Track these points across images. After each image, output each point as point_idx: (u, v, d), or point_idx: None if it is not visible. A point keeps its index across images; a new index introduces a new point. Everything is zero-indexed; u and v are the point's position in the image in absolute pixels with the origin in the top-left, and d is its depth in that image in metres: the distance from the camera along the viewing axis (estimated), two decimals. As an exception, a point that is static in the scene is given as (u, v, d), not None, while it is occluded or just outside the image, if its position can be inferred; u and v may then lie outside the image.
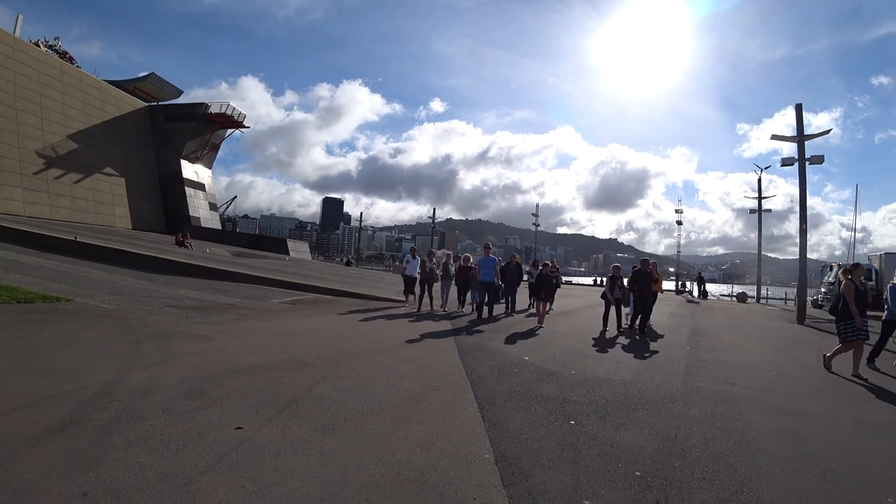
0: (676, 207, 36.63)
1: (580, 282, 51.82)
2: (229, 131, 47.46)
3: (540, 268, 12.38)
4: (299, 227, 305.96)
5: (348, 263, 41.03)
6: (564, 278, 42.56)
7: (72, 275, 12.00)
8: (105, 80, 41.38)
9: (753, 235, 33.95)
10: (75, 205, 34.29)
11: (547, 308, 11.89)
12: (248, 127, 47.83)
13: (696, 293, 32.40)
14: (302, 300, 12.31)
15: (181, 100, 47.92)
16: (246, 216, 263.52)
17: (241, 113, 45.87)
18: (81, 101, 36.96)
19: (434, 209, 52.83)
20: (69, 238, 17.26)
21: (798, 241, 17.75)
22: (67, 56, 42.33)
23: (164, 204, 42.80)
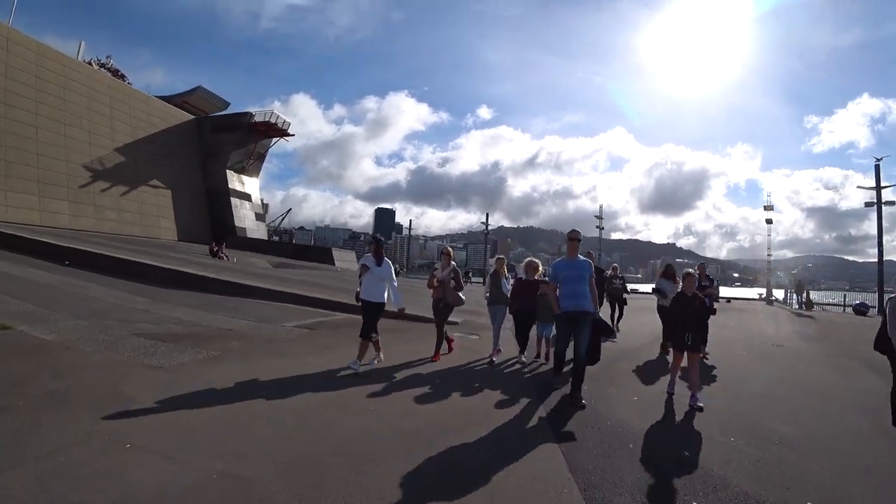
0: (765, 204, 31.92)
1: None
2: (274, 140, 46.61)
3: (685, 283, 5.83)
4: (352, 238, 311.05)
5: (396, 273, 38.82)
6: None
7: (52, 291, 9.93)
8: (155, 96, 41.54)
9: (827, 236, 30.30)
10: (121, 217, 33.88)
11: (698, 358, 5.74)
12: (293, 135, 46.86)
13: (795, 302, 27.57)
14: (325, 323, 9.67)
15: (227, 112, 47.66)
16: (301, 228, 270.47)
17: (284, 121, 44.90)
18: (129, 115, 36.84)
19: (487, 214, 49.85)
20: (88, 250, 15.62)
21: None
22: (119, 74, 42.83)
23: (211, 215, 42.24)
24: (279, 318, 9.73)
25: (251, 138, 43.96)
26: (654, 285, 9.61)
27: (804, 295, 26.53)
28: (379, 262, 6.50)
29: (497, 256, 8.34)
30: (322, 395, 4.88)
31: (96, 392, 4.39)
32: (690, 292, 5.66)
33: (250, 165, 45.15)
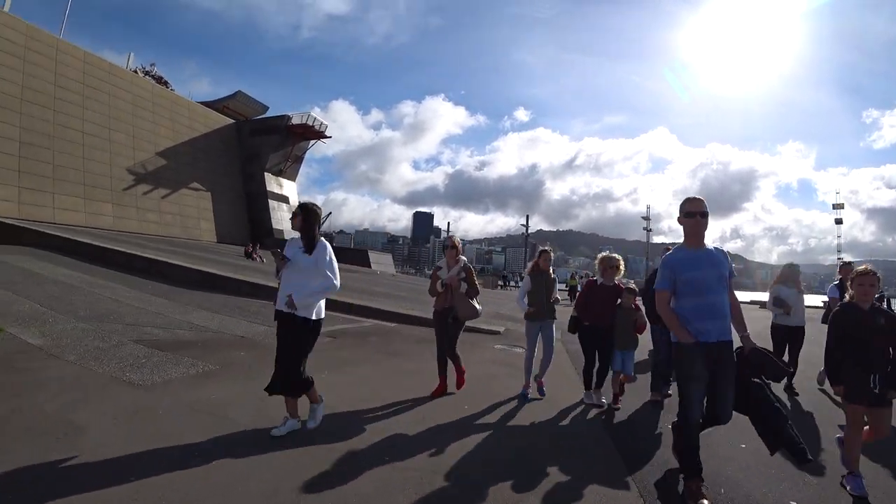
0: (835, 203, 29.11)
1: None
2: (312, 142, 46.60)
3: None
4: (391, 241, 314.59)
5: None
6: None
7: (68, 291, 9.35)
8: (197, 102, 42.27)
9: (890, 239, 27.39)
10: (162, 219, 34.34)
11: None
12: (330, 137, 46.70)
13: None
14: (350, 331, 8.67)
15: (266, 116, 48.06)
16: (342, 231, 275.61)
17: (322, 123, 44.79)
18: (171, 119, 37.43)
19: (527, 217, 48.16)
20: (118, 249, 15.32)
21: None
22: (163, 80, 43.80)
23: (249, 217, 42.50)
24: (302, 323, 8.81)
25: (289, 141, 44.04)
26: (768, 294, 7.00)
27: (885, 303, 23.89)
28: (309, 248, 3.84)
29: (541, 249, 5.80)
30: (328, 418, 3.83)
31: (42, 420, 3.48)
32: (868, 303, 3.39)
33: (288, 168, 45.27)
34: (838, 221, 29.43)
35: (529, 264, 5.90)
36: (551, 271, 5.70)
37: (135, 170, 33.11)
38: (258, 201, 42.52)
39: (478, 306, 5.18)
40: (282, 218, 43.71)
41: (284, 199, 44.90)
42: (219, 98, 47.86)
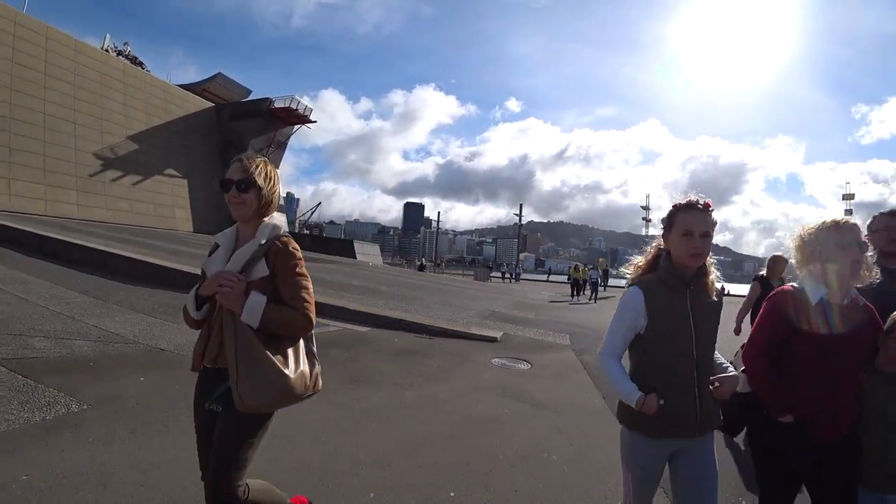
0: (845, 193, 27.82)
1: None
2: (296, 127, 44.50)
3: None
4: (381, 232, 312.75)
5: (421, 268, 36.14)
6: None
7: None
8: (175, 85, 39.99)
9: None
10: (134, 208, 32.26)
11: None
12: (315, 121, 44.61)
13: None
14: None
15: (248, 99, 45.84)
16: (332, 222, 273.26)
17: (306, 107, 42.68)
18: (144, 101, 35.22)
19: (521, 206, 46.45)
20: (65, 240, 13.41)
21: None
22: (137, 61, 41.38)
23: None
24: (252, 329, 7.07)
25: (271, 126, 41.97)
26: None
27: None
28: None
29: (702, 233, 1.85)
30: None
31: None
32: None
33: (271, 154, 43.11)
34: (848, 212, 28.22)
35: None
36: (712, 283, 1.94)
37: (103, 154, 30.96)
38: (239, 189, 40.46)
39: (290, 374, 1.80)
40: (264, 207, 41.78)
41: (267, 187, 42.90)
42: (197, 81, 45.58)
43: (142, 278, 10.57)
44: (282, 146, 45.03)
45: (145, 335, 6.21)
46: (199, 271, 1.99)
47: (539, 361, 6.33)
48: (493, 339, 7.44)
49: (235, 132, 40.95)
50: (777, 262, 5.27)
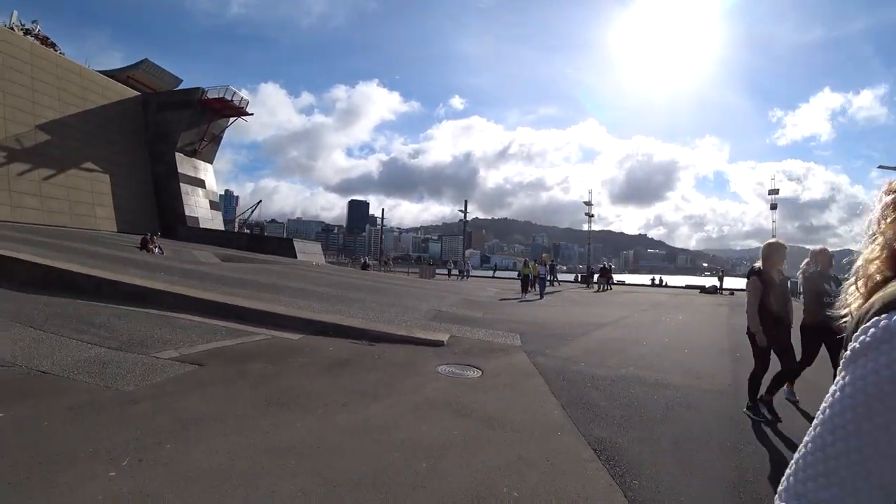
0: (770, 189, 29.41)
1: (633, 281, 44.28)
2: (231, 120, 42.03)
3: None
4: (325, 231, 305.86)
5: (365, 267, 35.09)
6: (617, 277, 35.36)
7: None
8: (95, 71, 36.62)
9: (790, 227, 29.12)
10: (45, 205, 29.18)
11: None
12: (251, 114, 42.30)
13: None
14: (228, 351, 6.03)
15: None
16: (273, 221, 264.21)
17: (242, 98, 40.34)
18: (57, 87, 31.95)
19: (466, 202, 46.19)
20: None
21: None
22: (49, 42, 37.66)
23: (158, 203, 37.60)
24: (165, 340, 6.11)
25: (204, 118, 39.32)
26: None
27: None
28: None
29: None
30: None
31: None
32: None
33: (203, 148, 40.52)
34: (773, 207, 29.83)
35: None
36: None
37: (7, 145, 27.81)
38: (168, 185, 37.67)
39: None
40: (196, 204, 39.18)
41: (199, 183, 40.25)
42: (121, 67, 42.16)
43: (38, 285, 9.22)
44: (216, 140, 42.39)
45: (27, 355, 5.17)
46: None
47: (490, 367, 5.79)
48: (439, 344, 6.85)
49: (164, 124, 38.09)
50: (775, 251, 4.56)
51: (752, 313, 4.50)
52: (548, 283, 21.24)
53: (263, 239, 40.74)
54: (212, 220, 40.59)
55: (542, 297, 18.00)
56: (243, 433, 3.41)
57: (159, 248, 20.32)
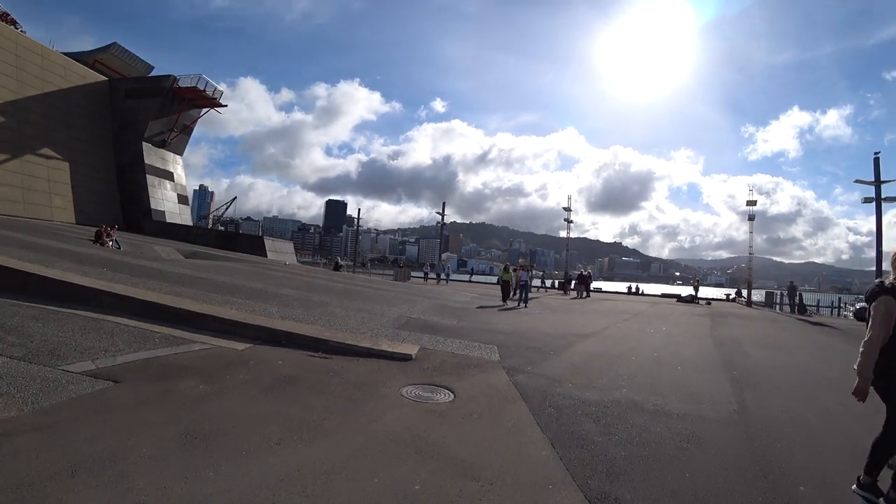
0: (749, 199, 29.42)
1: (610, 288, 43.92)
2: (203, 110, 40.46)
3: None
4: (302, 230, 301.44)
5: (337, 267, 33.93)
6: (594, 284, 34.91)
7: None
8: (57, 51, 34.66)
9: (758, 239, 29.66)
10: (-6, 192, 27.34)
11: None
12: (225, 105, 40.88)
13: (782, 305, 25.06)
14: (160, 364, 5.08)
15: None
16: (249, 218, 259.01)
17: (216, 88, 38.84)
18: (15, 66, 30.06)
19: (444, 204, 45.35)
20: None
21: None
22: (9, 18, 35.56)
23: (122, 195, 35.79)
24: (85, 348, 5.14)
25: (175, 107, 37.70)
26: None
27: (797, 298, 24.25)
28: None
29: None
30: None
31: None
32: None
33: (173, 139, 38.84)
34: (751, 218, 30.04)
35: None
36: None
37: (-45, 126, 25.97)
38: (134, 177, 35.92)
39: None
40: (164, 197, 37.50)
41: (167, 176, 38.57)
42: (87, 50, 40.17)
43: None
44: (187, 131, 40.73)
45: None
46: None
47: (464, 389, 4.99)
48: (406, 358, 6.02)
49: (132, 112, 36.33)
50: None
51: (871, 351, 3.00)
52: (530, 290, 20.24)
53: (233, 236, 39.19)
54: (180, 215, 38.89)
55: (525, 304, 17.09)
56: (134, 489, 2.53)
57: (115, 241, 18.96)
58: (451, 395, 4.75)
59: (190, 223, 41.36)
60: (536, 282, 36.17)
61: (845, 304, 30.54)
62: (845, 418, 5.11)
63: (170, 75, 37.06)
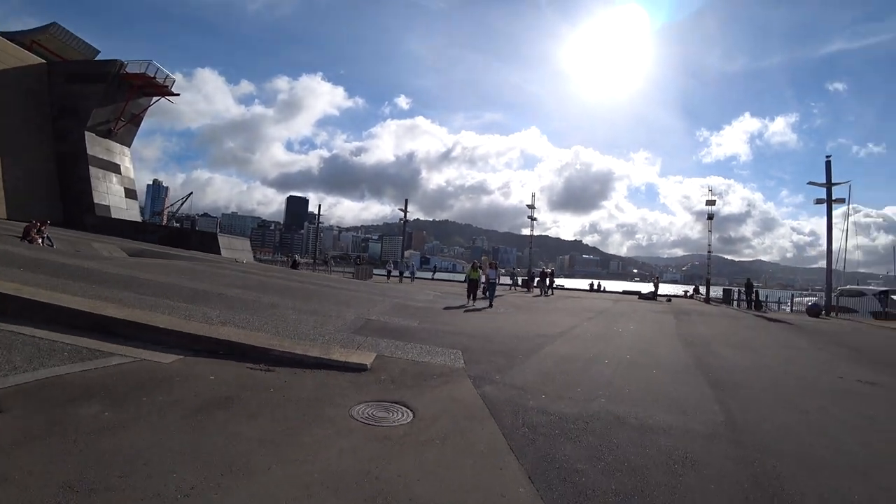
0: (709, 199, 30.06)
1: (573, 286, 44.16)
2: (154, 99, 38.20)
3: None
4: (262, 226, 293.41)
5: (294, 265, 32.69)
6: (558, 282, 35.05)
7: None
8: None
9: (712, 238, 30.23)
10: (-89, 184, 24.87)
11: None
12: (178, 94, 38.70)
13: (737, 301, 25.61)
14: (63, 384, 4.25)
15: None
16: (206, 214, 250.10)
17: (167, 76, 36.68)
18: (-65, 45, 27.51)
19: (406, 200, 44.58)
20: None
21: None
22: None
23: (62, 188, 33.33)
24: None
25: (121, 94, 35.31)
26: None
27: (754, 294, 24.84)
28: None
29: None
30: None
31: None
32: None
33: (120, 129, 36.42)
34: (710, 217, 30.61)
35: None
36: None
37: None
38: (75, 168, 33.41)
39: None
40: (109, 191, 35.18)
41: (113, 168, 36.18)
42: (25, 29, 37.21)
43: None
44: (136, 121, 38.34)
45: None
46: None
47: (425, 406, 4.38)
48: (360, 368, 5.35)
49: (73, 98, 33.73)
50: None
51: None
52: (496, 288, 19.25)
53: (185, 233, 37.26)
54: (127, 210, 36.55)
55: (490, 304, 16.37)
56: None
57: (48, 238, 17.39)
58: (411, 414, 4.12)
59: (138, 219, 39.03)
60: (507, 279, 35.88)
61: (794, 299, 31.78)
62: (832, 427, 4.80)
63: (116, 60, 34.74)
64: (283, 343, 5.93)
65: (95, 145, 34.72)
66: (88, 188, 33.41)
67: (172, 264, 14.77)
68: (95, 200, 33.51)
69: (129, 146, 38.82)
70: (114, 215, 34.27)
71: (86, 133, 33.91)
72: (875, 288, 30.29)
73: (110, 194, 35.24)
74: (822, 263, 22.99)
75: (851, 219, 33.92)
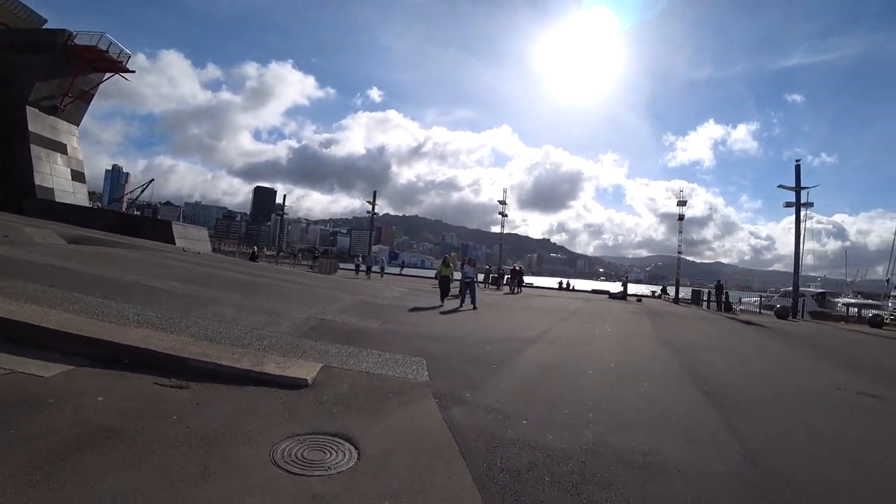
0: (679, 200, 30.00)
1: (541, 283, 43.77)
2: (106, 75, 35.66)
3: None
4: (228, 217, 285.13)
5: (254, 257, 31.07)
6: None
7: None
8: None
9: (674, 240, 31.52)
10: None
11: None
12: (133, 71, 36.31)
13: (707, 303, 25.52)
14: None
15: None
16: (168, 203, 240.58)
17: (122, 50, 34.27)
18: None
19: (374, 193, 43.13)
20: None
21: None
22: None
23: (-1, 168, 30.69)
24: None
25: (70, 68, 32.75)
26: None
27: (724, 296, 24.83)
28: None
29: None
30: None
31: None
32: None
33: (67, 105, 33.80)
34: (680, 218, 30.71)
35: None
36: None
37: None
38: (14, 147, 30.79)
39: None
40: (53, 172, 32.67)
41: (59, 148, 33.64)
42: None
43: None
44: (85, 97, 35.72)
45: None
46: None
47: (375, 439, 3.39)
48: (298, 384, 4.31)
49: (13, 69, 30.98)
50: None
51: None
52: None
53: (137, 220, 35.06)
54: (73, 194, 34.01)
55: (474, 306, 14.25)
56: None
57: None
58: (355, 453, 3.12)
59: (87, 204, 36.44)
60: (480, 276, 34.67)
61: (761, 299, 32.38)
62: (866, 459, 4.04)
63: (64, 30, 32.19)
64: (208, 350, 4.82)
65: (38, 122, 32.15)
66: (29, 168, 30.91)
67: (114, 253, 13.28)
68: (37, 182, 31.06)
69: (77, 125, 36.20)
70: (58, 199, 31.86)
71: (27, 108, 31.29)
72: (813, 290, 32.47)
73: (55, 176, 32.72)
74: (778, 266, 23.21)
75: (804, 225, 34.85)
